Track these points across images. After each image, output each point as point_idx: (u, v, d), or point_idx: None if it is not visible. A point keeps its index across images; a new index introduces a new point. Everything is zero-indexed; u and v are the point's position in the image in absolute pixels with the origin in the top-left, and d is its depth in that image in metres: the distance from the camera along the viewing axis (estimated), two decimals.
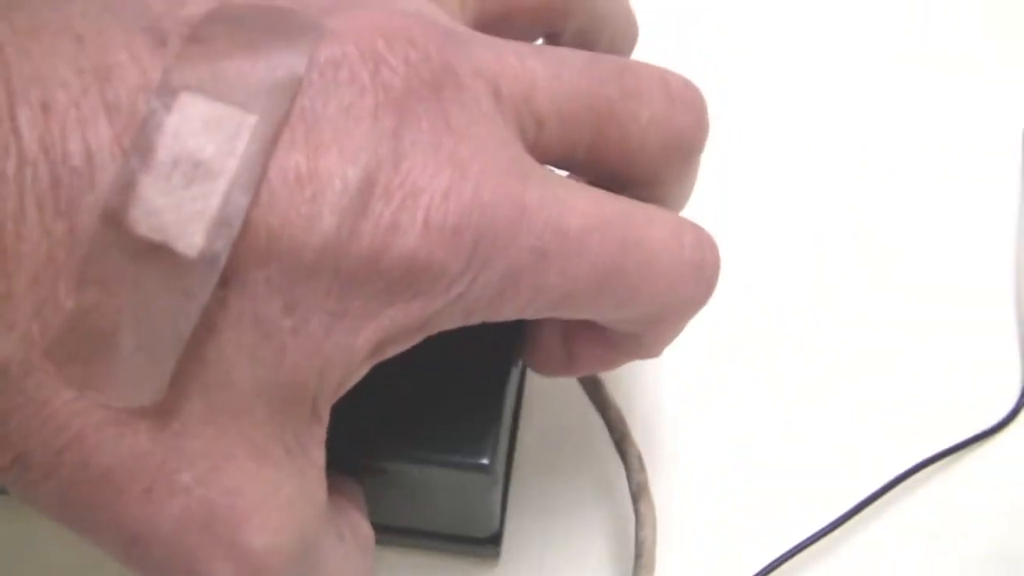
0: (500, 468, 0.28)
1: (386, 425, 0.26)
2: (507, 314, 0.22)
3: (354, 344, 0.20)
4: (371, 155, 0.19)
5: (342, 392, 0.21)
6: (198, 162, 0.18)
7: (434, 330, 0.21)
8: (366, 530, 0.26)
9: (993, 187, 0.39)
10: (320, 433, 0.21)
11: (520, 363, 0.29)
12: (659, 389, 0.35)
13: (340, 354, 0.20)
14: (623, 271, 0.22)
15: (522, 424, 0.34)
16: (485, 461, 0.26)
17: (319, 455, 0.21)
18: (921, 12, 0.43)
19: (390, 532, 0.31)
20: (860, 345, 0.36)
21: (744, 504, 0.33)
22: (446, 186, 0.19)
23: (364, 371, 0.21)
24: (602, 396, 0.32)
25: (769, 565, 0.31)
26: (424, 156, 0.19)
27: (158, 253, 0.17)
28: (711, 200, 0.37)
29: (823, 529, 0.32)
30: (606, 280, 0.22)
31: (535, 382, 0.34)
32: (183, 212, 0.17)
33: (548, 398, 0.34)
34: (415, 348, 0.25)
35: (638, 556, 0.30)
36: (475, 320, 0.22)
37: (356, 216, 0.19)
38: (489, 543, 0.31)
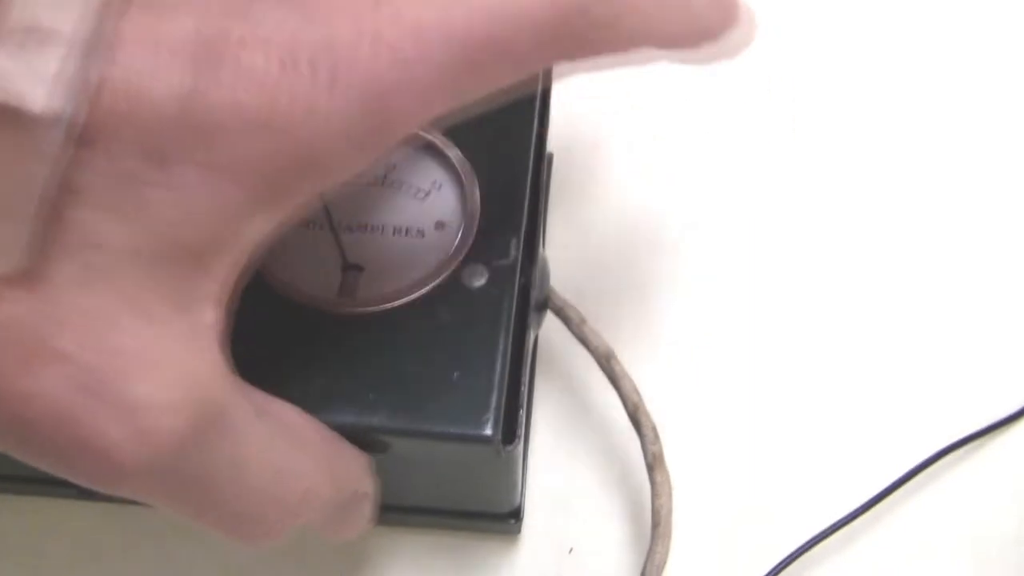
0: (509, 439, 0.28)
1: (387, 401, 0.26)
2: (397, 131, 0.21)
3: (234, 196, 0.20)
4: (220, 9, 0.19)
5: (240, 251, 0.21)
6: (46, 30, 0.18)
7: (329, 171, 0.21)
8: (303, 424, 0.25)
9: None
10: (212, 290, 0.21)
11: (530, 334, 0.30)
12: (673, 362, 0.36)
13: (220, 207, 0.20)
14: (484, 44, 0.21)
15: (537, 398, 0.34)
16: (488, 432, 0.26)
17: (211, 313, 0.21)
18: None
19: (412, 512, 0.31)
20: (884, 335, 0.36)
21: (760, 477, 0.34)
22: (295, 28, 0.20)
23: (262, 227, 0.21)
24: (615, 368, 0.32)
25: (794, 551, 0.32)
26: (272, 5, 0.20)
27: (8, 116, 0.18)
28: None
29: (845, 517, 0.32)
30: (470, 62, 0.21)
31: (549, 356, 0.35)
32: (31, 74, 0.18)
33: (562, 371, 0.35)
34: (412, 323, 0.25)
35: (655, 524, 0.31)
36: (371, 155, 0.21)
37: (212, 67, 0.19)
38: (510, 518, 0.32)
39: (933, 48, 0.42)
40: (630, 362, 0.32)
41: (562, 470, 0.34)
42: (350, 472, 0.26)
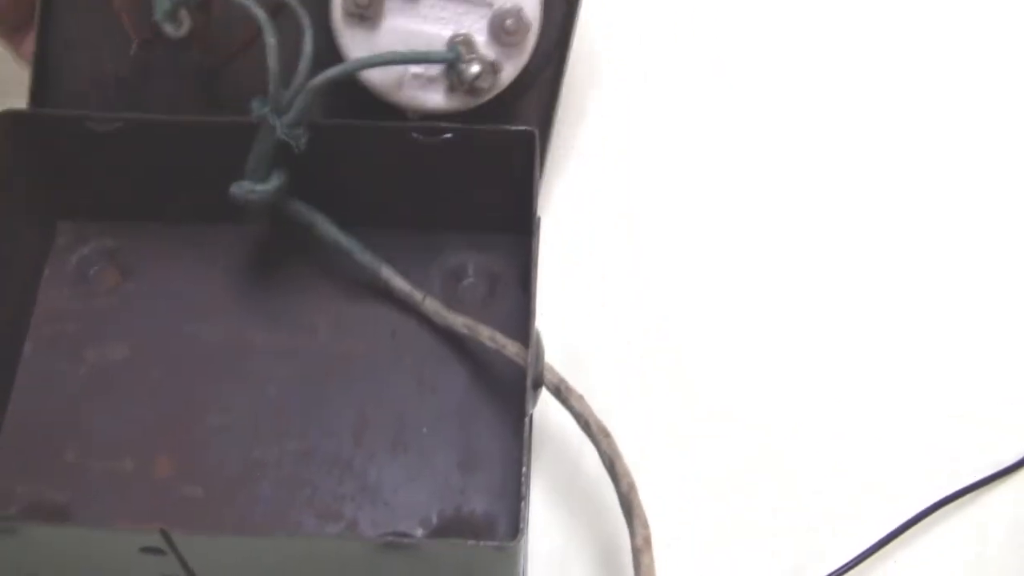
0: (512, 533, 0.29)
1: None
2: None
3: None
4: None
5: None
6: None
7: None
8: None
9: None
10: None
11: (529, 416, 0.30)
12: (666, 440, 0.36)
13: None
14: None
15: (531, 475, 0.34)
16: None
17: None
18: None
19: None
20: (887, 387, 0.37)
21: (753, 557, 0.34)
22: None
23: None
24: (611, 447, 0.32)
25: None
26: None
27: None
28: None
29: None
30: None
31: (544, 435, 0.35)
32: None
33: (555, 450, 0.35)
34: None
35: None
36: None
37: None
38: None
39: (924, 45, 0.43)
40: (622, 436, 0.32)
41: (555, 538, 0.34)
42: None
